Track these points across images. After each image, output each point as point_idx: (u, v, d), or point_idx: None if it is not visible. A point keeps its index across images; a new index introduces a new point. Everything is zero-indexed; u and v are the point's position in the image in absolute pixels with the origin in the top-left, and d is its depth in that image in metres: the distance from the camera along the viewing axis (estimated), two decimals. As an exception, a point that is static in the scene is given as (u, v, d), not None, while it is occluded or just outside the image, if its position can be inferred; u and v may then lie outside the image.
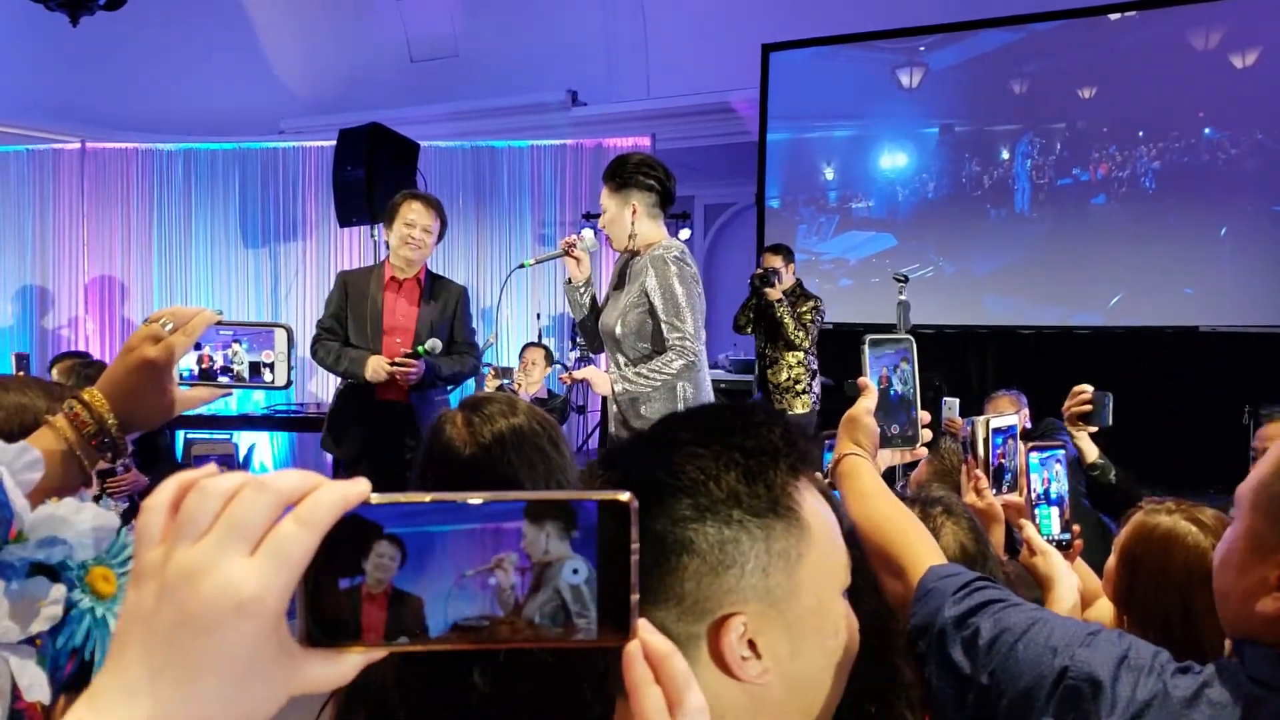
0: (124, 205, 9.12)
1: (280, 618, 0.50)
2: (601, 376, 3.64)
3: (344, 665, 0.53)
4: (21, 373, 4.81)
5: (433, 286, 4.54)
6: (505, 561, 0.51)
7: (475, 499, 0.52)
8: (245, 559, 0.49)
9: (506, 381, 6.26)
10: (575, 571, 0.52)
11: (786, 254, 6.63)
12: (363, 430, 4.43)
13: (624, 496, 0.52)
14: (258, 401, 7.96)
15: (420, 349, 4.26)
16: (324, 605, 0.51)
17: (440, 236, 4.54)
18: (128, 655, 0.49)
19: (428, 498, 0.52)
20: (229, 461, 1.93)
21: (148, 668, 0.48)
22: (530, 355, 6.85)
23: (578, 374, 3.68)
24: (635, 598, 0.52)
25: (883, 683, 1.26)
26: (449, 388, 4.73)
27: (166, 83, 10.47)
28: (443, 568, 0.51)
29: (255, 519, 0.49)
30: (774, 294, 6.21)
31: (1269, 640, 1.14)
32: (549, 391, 7.07)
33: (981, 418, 2.19)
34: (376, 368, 4.28)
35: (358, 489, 0.51)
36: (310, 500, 0.50)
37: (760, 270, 6.39)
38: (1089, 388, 2.92)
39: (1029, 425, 5.52)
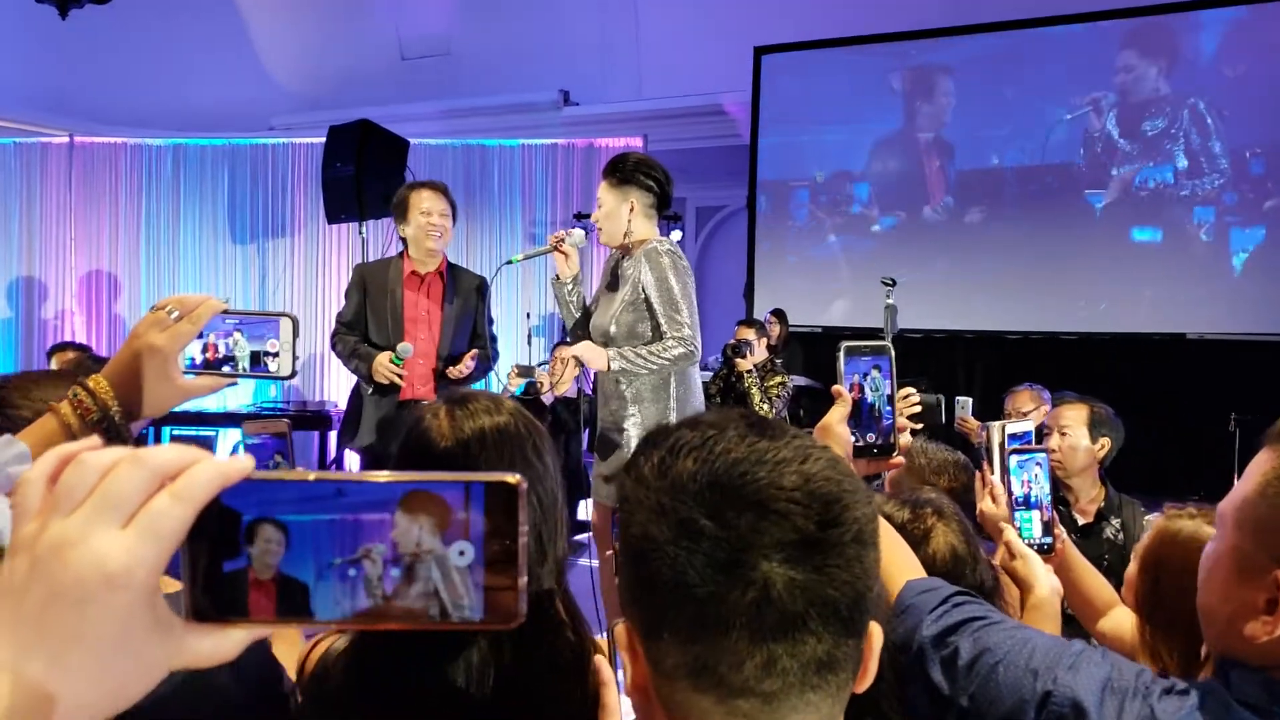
0: (112, 200, 9.06)
1: (154, 591, 0.49)
2: (597, 351, 3.60)
3: (229, 640, 0.53)
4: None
5: (455, 280, 4.46)
6: (373, 552, 0.51)
7: (359, 480, 0.52)
8: (116, 532, 0.49)
9: (531, 380, 6.18)
10: (461, 554, 0.52)
11: (760, 327, 6.66)
12: (389, 426, 4.34)
13: (512, 478, 0.52)
14: (245, 401, 7.94)
15: (394, 358, 4.18)
16: (210, 583, 0.52)
17: (453, 220, 4.45)
18: None
19: (312, 476, 0.52)
20: (283, 445, 1.84)
21: (15, 642, 0.48)
22: (561, 352, 6.75)
23: (568, 351, 3.65)
24: (523, 581, 0.52)
25: (877, 693, 1.24)
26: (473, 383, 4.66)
27: (156, 77, 10.41)
28: (320, 553, 0.51)
29: (129, 493, 0.49)
30: (744, 365, 6.28)
31: (1255, 662, 1.11)
32: (579, 391, 7.00)
33: (997, 423, 2.17)
34: (379, 368, 4.20)
35: (237, 465, 0.51)
36: (187, 475, 0.50)
37: (732, 341, 6.44)
38: (913, 391, 3.00)
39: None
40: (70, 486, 0.50)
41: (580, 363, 3.53)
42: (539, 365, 6.56)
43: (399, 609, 0.52)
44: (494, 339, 4.59)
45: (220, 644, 0.53)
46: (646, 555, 0.78)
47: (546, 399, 6.26)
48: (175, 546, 0.50)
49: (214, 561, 0.52)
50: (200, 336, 1.24)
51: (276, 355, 1.28)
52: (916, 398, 3.00)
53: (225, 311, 1.25)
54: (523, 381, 5.99)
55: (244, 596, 0.52)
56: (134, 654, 0.50)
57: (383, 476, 0.52)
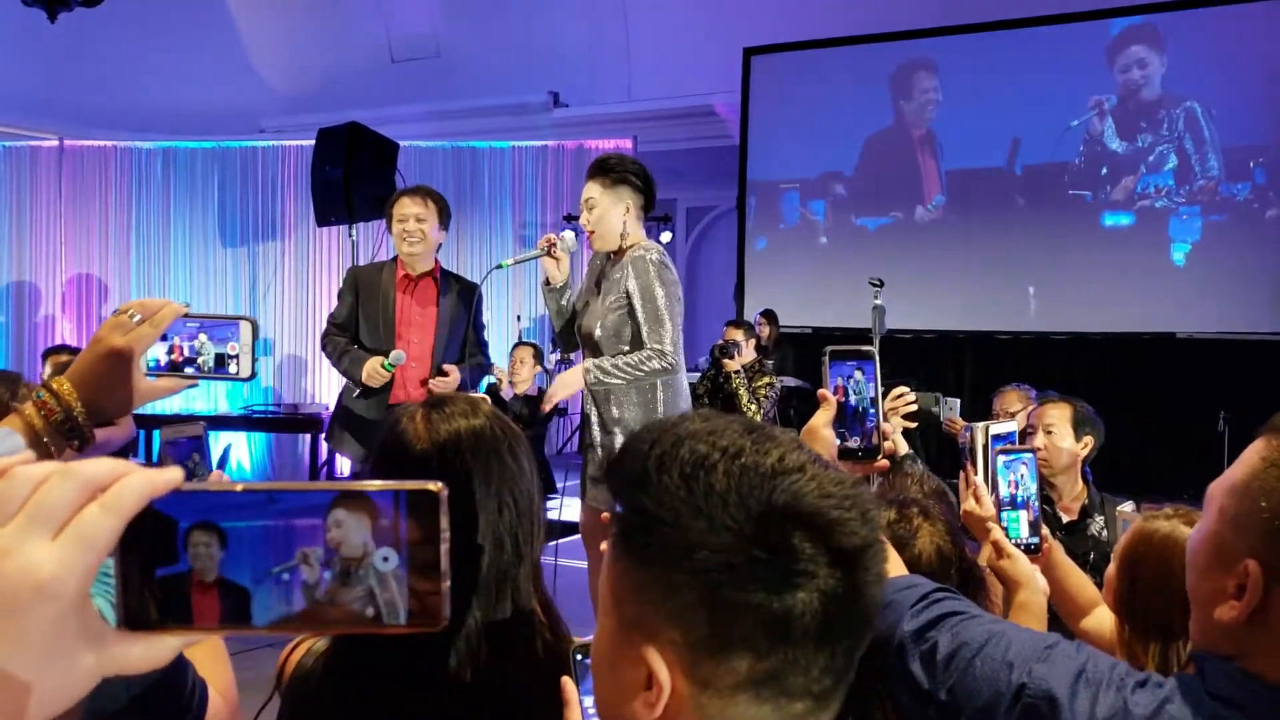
0: (102, 203, 9.05)
1: (84, 600, 0.51)
2: (571, 376, 3.59)
3: (162, 648, 0.54)
4: None
5: (447, 285, 4.46)
6: (310, 556, 0.53)
7: (290, 489, 0.54)
8: (47, 543, 0.50)
9: (491, 378, 6.21)
10: (385, 560, 0.53)
11: (749, 328, 6.72)
12: (375, 431, 4.30)
13: (434, 486, 0.54)
14: (234, 402, 7.93)
15: (386, 364, 4.18)
16: (146, 590, 0.53)
17: (444, 224, 4.42)
18: None
19: (239, 487, 0.54)
20: (199, 445, 1.91)
21: None
22: (519, 354, 6.79)
23: (553, 400, 3.69)
24: (446, 585, 0.54)
25: (860, 692, 1.25)
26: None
27: (146, 80, 10.40)
28: (255, 559, 0.53)
29: (60, 504, 0.50)
30: (731, 366, 6.32)
31: (1225, 650, 1.13)
32: (539, 390, 7.04)
33: (981, 424, 2.17)
34: (370, 373, 4.20)
35: (165, 477, 0.53)
36: (116, 487, 0.52)
37: (720, 342, 6.48)
38: (907, 390, 3.00)
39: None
40: (3, 499, 0.51)
41: (540, 359, 3.51)
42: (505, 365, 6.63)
43: (331, 613, 0.53)
44: (485, 344, 4.60)
45: (152, 651, 0.54)
46: (703, 575, 0.77)
47: (506, 394, 6.32)
48: (105, 556, 0.51)
49: (148, 570, 0.53)
50: (165, 339, 1.27)
51: (237, 357, 1.32)
52: (912, 396, 2.98)
53: (186, 315, 1.28)
54: (483, 379, 6.03)
55: (185, 603, 0.53)
56: (65, 661, 0.51)
57: (312, 485, 0.54)
